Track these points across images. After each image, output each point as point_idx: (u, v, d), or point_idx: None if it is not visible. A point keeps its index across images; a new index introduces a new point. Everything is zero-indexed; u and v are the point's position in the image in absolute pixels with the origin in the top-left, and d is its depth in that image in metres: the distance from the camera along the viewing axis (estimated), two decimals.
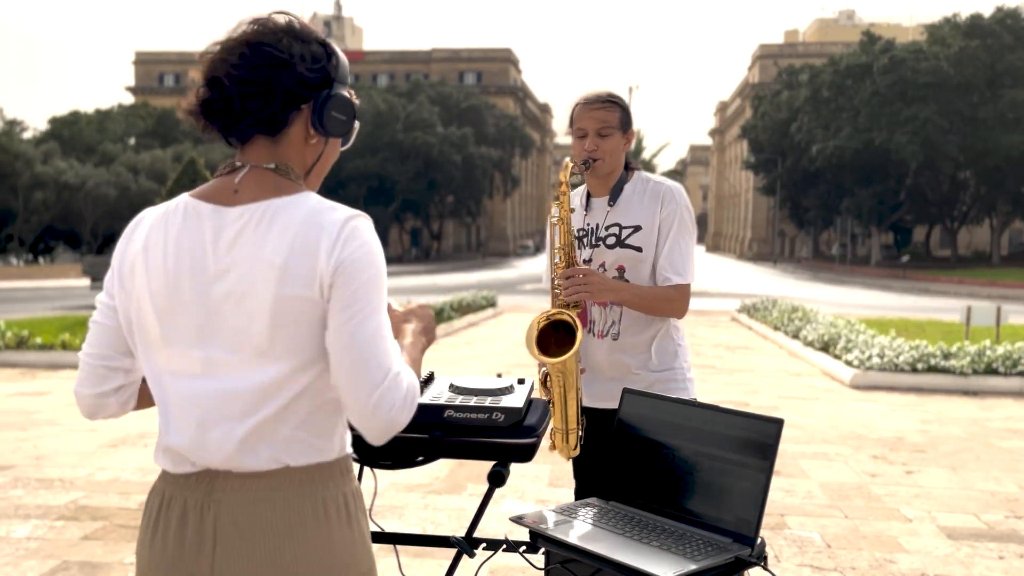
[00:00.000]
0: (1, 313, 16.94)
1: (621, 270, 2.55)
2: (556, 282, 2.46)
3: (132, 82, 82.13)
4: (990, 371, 9.04)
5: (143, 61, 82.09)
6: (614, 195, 2.58)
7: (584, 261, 2.56)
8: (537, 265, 53.73)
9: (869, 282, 36.34)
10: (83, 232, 48.62)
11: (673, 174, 55.65)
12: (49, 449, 6.02)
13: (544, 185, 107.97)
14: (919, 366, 9.18)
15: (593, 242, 2.59)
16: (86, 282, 31.59)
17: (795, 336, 12.46)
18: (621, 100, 2.58)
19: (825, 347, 10.93)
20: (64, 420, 7.03)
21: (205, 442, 1.39)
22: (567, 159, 2.52)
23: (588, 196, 2.66)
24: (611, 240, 2.55)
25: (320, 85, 1.43)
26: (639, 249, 2.53)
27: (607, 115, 2.53)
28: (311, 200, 1.39)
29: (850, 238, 52.28)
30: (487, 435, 1.84)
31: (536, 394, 2.38)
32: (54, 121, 58.12)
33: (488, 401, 1.88)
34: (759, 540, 1.79)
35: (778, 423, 1.82)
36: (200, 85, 1.42)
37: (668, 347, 2.60)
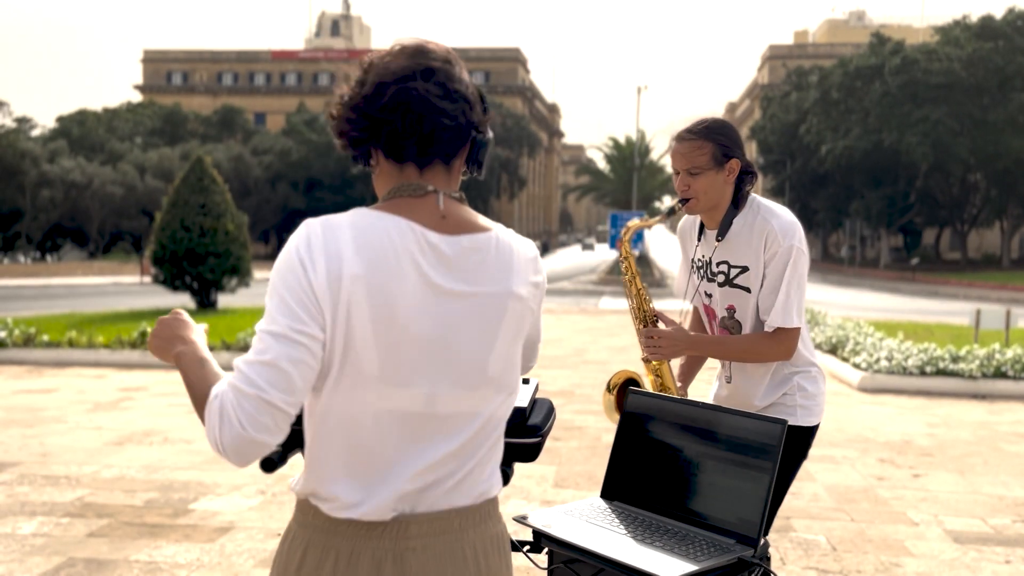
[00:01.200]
0: (9, 311, 17.02)
1: (731, 309, 2.51)
2: (640, 340, 2.56)
3: (140, 80, 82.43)
4: (999, 375, 8.99)
5: (151, 59, 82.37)
6: (722, 230, 2.47)
7: (706, 294, 2.58)
8: (544, 266, 53.59)
9: (878, 284, 36.22)
10: (90, 230, 48.82)
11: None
12: (55, 446, 6.04)
13: (551, 186, 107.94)
14: (927, 369, 9.14)
15: (709, 276, 2.56)
16: (91, 280, 31.71)
17: None
18: (715, 130, 2.42)
19: (833, 349, 10.89)
20: (70, 417, 7.05)
21: (413, 484, 1.30)
22: (628, 223, 2.56)
23: (702, 226, 2.59)
24: (720, 278, 2.51)
25: (483, 126, 1.42)
26: (747, 290, 2.46)
27: (695, 155, 2.41)
28: (507, 233, 1.43)
29: (859, 240, 52.14)
30: None
31: (539, 393, 2.38)
32: (62, 119, 58.39)
33: None
34: (762, 541, 1.78)
35: (782, 424, 1.81)
36: (362, 95, 1.33)
37: (780, 373, 2.51)
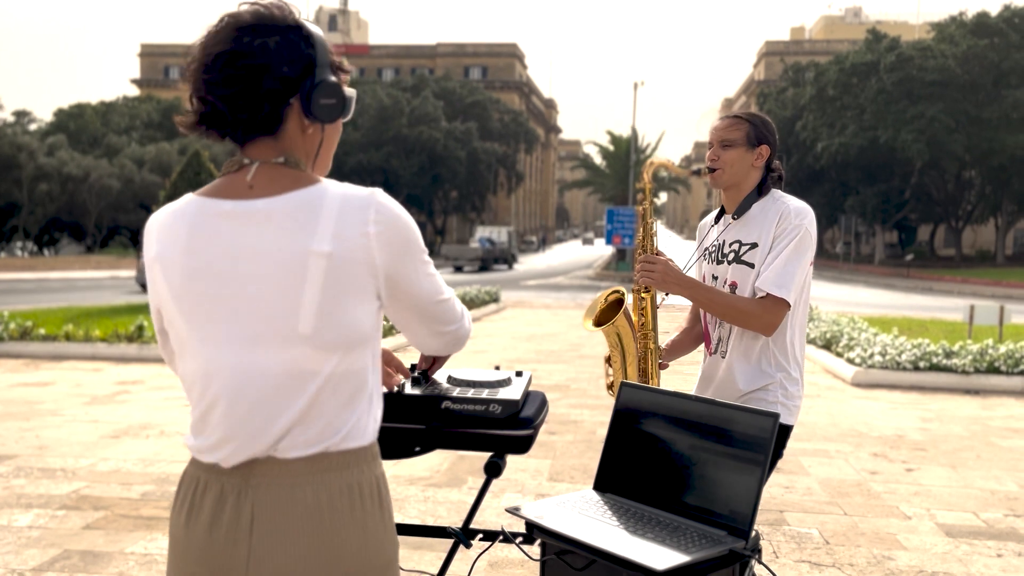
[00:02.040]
0: (5, 304, 16.99)
1: (733, 286, 2.55)
2: (636, 267, 2.61)
3: (137, 74, 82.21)
4: (992, 370, 9.03)
5: (148, 54, 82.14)
6: (740, 211, 2.59)
7: (712, 276, 2.63)
8: (541, 261, 53.70)
9: (873, 280, 36.28)
10: (87, 224, 48.70)
11: (673, 180, 55.60)
12: (52, 439, 6.05)
13: (548, 181, 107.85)
14: (921, 364, 9.18)
15: (718, 258, 2.62)
16: (89, 273, 31.68)
17: None
18: (755, 116, 2.60)
19: (827, 345, 10.93)
20: (67, 411, 7.06)
21: (250, 432, 1.40)
22: (651, 159, 2.64)
23: (722, 212, 2.70)
24: (731, 256, 2.58)
25: (302, 75, 1.42)
26: (752, 266, 2.52)
27: (731, 130, 2.57)
28: (328, 187, 1.41)
29: (854, 236, 52.20)
30: (484, 426, 1.85)
31: (533, 387, 2.39)
32: (59, 113, 58.20)
33: (485, 393, 1.89)
34: (753, 533, 1.80)
35: (773, 417, 1.82)
36: (191, 97, 1.43)
37: (768, 362, 2.54)
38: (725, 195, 2.64)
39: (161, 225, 1.45)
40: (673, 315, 3.20)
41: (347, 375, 1.42)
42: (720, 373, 2.60)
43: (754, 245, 2.52)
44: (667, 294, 2.61)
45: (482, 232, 46.53)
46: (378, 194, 1.42)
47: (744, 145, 2.56)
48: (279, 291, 1.37)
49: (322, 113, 1.44)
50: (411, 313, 1.51)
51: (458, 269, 39.13)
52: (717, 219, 2.71)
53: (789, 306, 2.45)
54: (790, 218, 2.50)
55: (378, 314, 1.48)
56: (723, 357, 2.60)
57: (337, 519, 1.40)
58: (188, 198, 1.45)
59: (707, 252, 2.67)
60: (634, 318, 2.63)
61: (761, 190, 2.59)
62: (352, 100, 1.50)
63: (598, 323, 2.59)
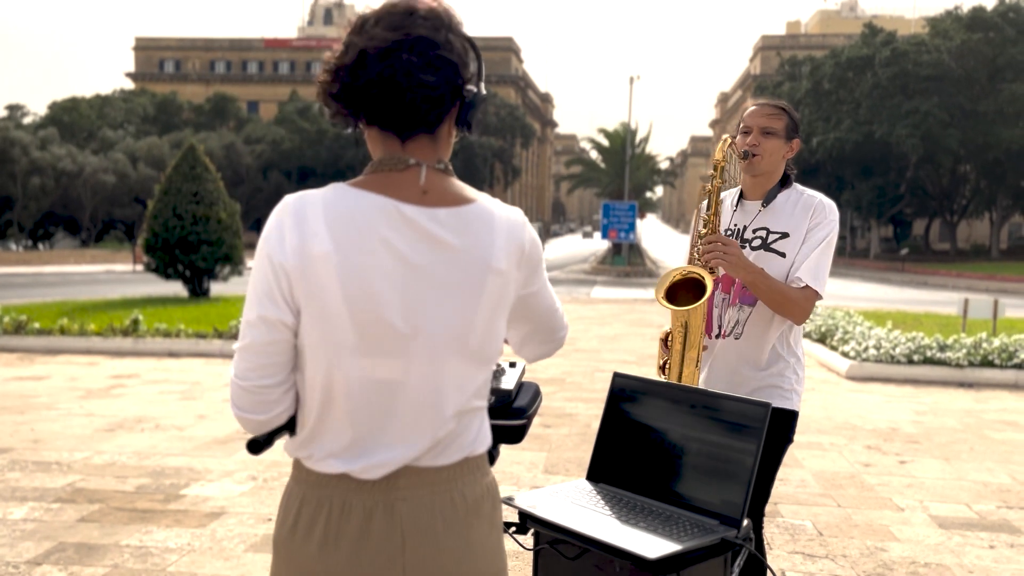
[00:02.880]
0: (0, 298, 16.95)
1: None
2: (698, 246, 2.55)
3: (132, 68, 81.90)
4: (986, 363, 9.06)
5: (143, 47, 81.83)
6: (768, 199, 2.61)
7: None
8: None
9: (868, 274, 36.35)
10: (82, 218, 48.59)
11: (668, 174, 55.77)
12: (47, 432, 6.05)
13: (544, 175, 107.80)
14: (915, 358, 9.21)
15: (739, 243, 2.61)
16: (84, 268, 31.61)
17: None
18: (791, 110, 2.67)
19: (822, 338, 10.95)
20: (62, 404, 7.05)
21: (413, 442, 1.36)
22: (725, 135, 2.61)
23: (740, 197, 2.70)
24: (756, 243, 2.59)
25: (472, 84, 1.41)
26: (783, 255, 2.55)
27: (773, 119, 2.61)
28: (492, 204, 1.42)
29: (849, 230, 52.31)
30: None
31: (527, 377, 2.40)
32: (54, 107, 58.00)
33: None
34: (745, 522, 1.81)
35: (765, 407, 1.83)
36: (346, 67, 1.33)
37: (780, 357, 2.60)
38: (751, 181, 2.66)
39: (332, 216, 1.31)
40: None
41: (486, 384, 1.45)
42: (734, 355, 2.60)
43: (784, 235, 2.56)
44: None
45: None
46: (522, 214, 1.46)
47: (783, 136, 2.61)
48: (459, 304, 1.35)
49: (472, 123, 1.43)
50: (533, 324, 1.54)
51: None
52: (736, 203, 2.71)
53: (821, 297, 2.53)
54: (824, 212, 2.56)
55: None
56: (736, 339, 2.60)
57: (483, 522, 1.42)
58: (349, 190, 1.34)
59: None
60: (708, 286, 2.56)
61: (783, 182, 2.65)
62: None
63: (671, 299, 2.51)
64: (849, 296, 22.58)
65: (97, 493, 4.67)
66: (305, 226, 1.30)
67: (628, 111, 46.94)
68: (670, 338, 2.56)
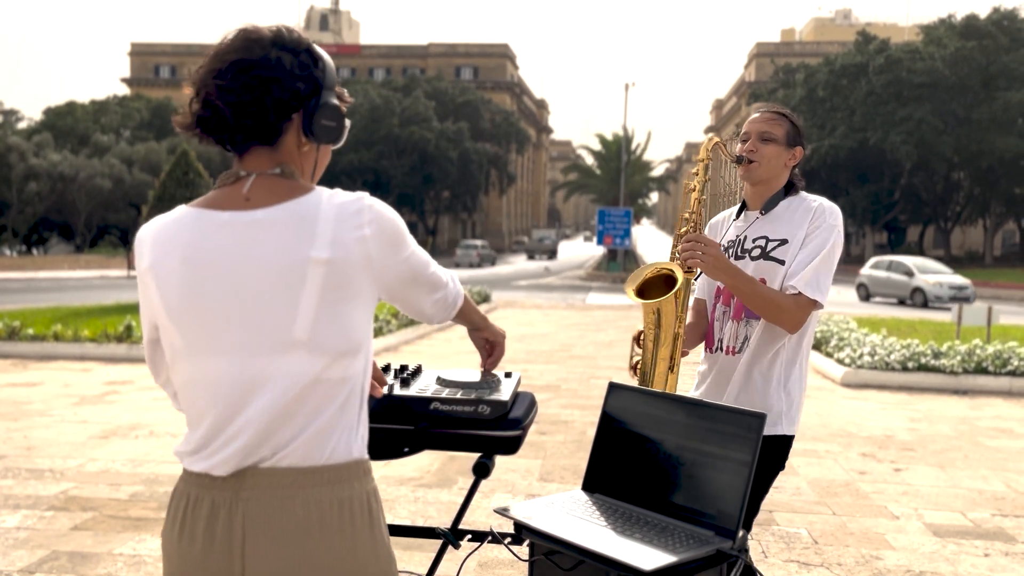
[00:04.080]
0: None
1: (762, 283, 2.47)
2: (678, 246, 2.45)
3: (128, 73, 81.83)
4: (980, 370, 9.08)
5: (139, 52, 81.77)
6: (767, 207, 2.55)
7: None
8: (533, 261, 53.67)
9: None
10: (77, 224, 48.46)
11: (664, 180, 55.84)
12: (40, 440, 6.02)
13: (539, 182, 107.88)
14: (910, 365, 9.22)
15: (738, 253, 2.55)
16: (78, 273, 31.53)
17: None
18: (793, 117, 2.58)
19: (817, 345, 10.97)
20: (55, 411, 7.03)
21: (246, 440, 1.41)
22: (711, 134, 2.55)
23: (743, 208, 2.64)
24: (756, 252, 2.52)
25: (309, 94, 1.47)
26: (781, 263, 2.47)
27: (772, 124, 2.54)
28: (322, 195, 1.44)
29: (844, 237, 52.36)
30: (473, 427, 1.85)
31: (523, 387, 2.39)
32: (49, 111, 57.90)
33: (474, 394, 1.89)
34: (741, 533, 1.80)
35: (760, 417, 1.83)
36: (193, 99, 1.46)
37: (780, 372, 2.50)
38: (752, 190, 2.59)
39: (155, 236, 1.46)
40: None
41: (342, 382, 1.44)
42: (738, 373, 2.50)
43: (783, 241, 2.48)
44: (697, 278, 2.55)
45: (539, 233, 64.03)
46: (366, 197, 1.46)
47: (783, 143, 2.53)
48: (277, 298, 1.40)
49: (321, 133, 1.49)
50: (410, 295, 1.56)
51: (531, 257, 55.52)
52: (738, 215, 2.65)
53: (820, 307, 2.42)
54: (824, 216, 2.47)
55: (371, 316, 1.50)
56: (742, 355, 2.50)
57: (327, 535, 1.41)
58: (182, 210, 1.47)
59: (726, 249, 2.60)
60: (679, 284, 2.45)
61: (788, 190, 2.57)
62: (347, 129, 1.54)
63: (640, 294, 2.46)
64: (844, 302, 22.63)
65: (91, 501, 4.65)
66: (140, 247, 1.48)
67: (623, 118, 47.04)
68: (642, 336, 2.48)
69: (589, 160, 57.95)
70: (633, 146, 54.37)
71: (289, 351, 1.40)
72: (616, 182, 50.08)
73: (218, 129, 1.45)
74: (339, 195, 1.45)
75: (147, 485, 4.97)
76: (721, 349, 2.55)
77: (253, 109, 1.43)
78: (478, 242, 49.56)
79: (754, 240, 2.53)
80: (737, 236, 2.60)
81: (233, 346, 1.41)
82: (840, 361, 9.74)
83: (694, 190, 2.50)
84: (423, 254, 1.57)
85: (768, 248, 2.50)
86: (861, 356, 9.53)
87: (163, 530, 1.50)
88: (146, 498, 4.72)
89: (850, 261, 52.01)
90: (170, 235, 1.45)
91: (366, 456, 1.50)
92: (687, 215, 2.50)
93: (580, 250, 70.97)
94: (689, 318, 2.73)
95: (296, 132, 1.48)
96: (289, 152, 1.49)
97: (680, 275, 2.39)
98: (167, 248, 1.44)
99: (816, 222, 2.47)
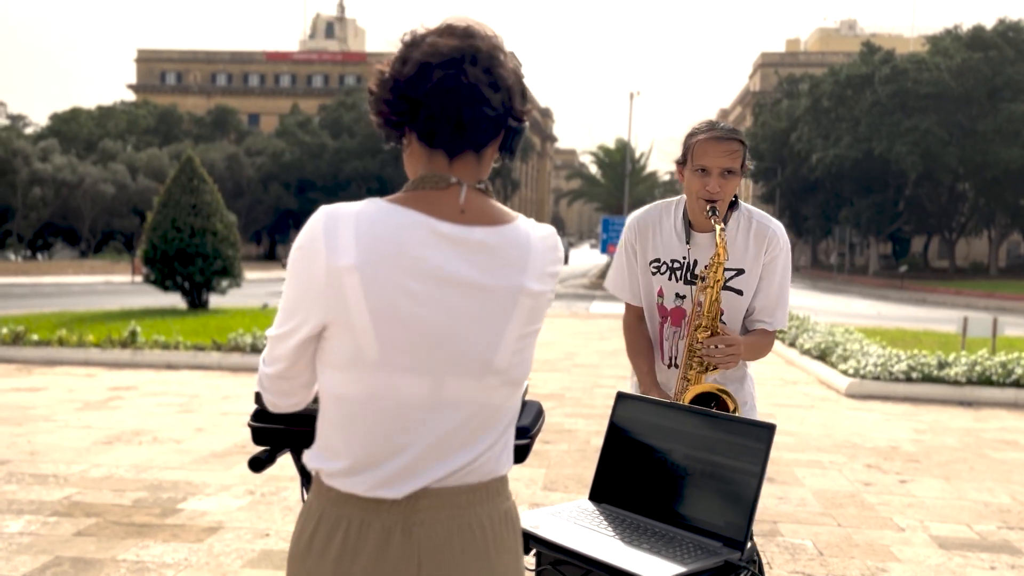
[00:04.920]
0: None
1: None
2: (698, 343, 2.40)
3: (134, 80, 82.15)
4: (985, 381, 9.05)
5: (145, 59, 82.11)
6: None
7: (677, 296, 2.51)
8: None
9: (867, 291, 36.37)
10: (82, 229, 48.59)
11: (668, 189, 55.87)
12: (44, 445, 6.02)
13: (543, 190, 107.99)
14: (914, 376, 9.20)
15: (689, 278, 2.50)
16: (83, 278, 31.59)
17: (792, 344, 12.48)
18: (744, 137, 2.46)
19: (821, 356, 10.94)
20: (59, 416, 7.03)
21: (432, 462, 1.34)
22: (720, 227, 2.35)
23: (688, 226, 2.51)
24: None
25: (519, 113, 1.41)
26: (740, 293, 2.48)
27: (734, 157, 2.38)
28: (528, 224, 1.41)
29: (848, 247, 52.37)
30: None
31: (528, 396, 2.39)
32: (55, 117, 58.12)
33: None
34: (748, 544, 1.80)
35: (770, 428, 1.83)
36: (405, 76, 1.31)
37: (734, 374, 2.60)
38: (699, 215, 2.46)
39: (363, 229, 1.29)
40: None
41: (513, 406, 1.43)
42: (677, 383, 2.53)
43: (740, 271, 2.47)
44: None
45: None
46: (556, 232, 1.45)
47: (740, 172, 2.42)
48: (486, 324, 1.34)
49: (514, 151, 1.44)
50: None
51: None
52: (687, 235, 2.52)
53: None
54: (778, 244, 2.48)
55: None
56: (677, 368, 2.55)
57: (501, 546, 1.40)
58: (384, 205, 1.33)
59: (672, 269, 2.52)
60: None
61: (730, 206, 2.49)
62: None
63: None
64: (848, 313, 22.59)
65: (94, 507, 4.65)
66: (335, 240, 1.29)
67: (628, 126, 47.12)
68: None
69: (593, 169, 58.00)
70: (637, 155, 54.44)
71: (486, 378, 1.36)
72: (620, 190, 50.13)
73: (435, 119, 1.31)
74: (538, 227, 1.42)
75: (150, 491, 4.96)
76: (675, 365, 2.57)
77: (493, 112, 1.33)
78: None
79: (707, 267, 2.45)
80: (684, 259, 2.51)
81: (430, 366, 1.32)
82: (844, 372, 9.72)
83: (712, 286, 2.38)
84: None
85: (726, 279, 2.47)
86: (866, 367, 9.50)
87: (298, 553, 1.37)
88: (149, 504, 4.71)
89: (854, 271, 52.00)
90: (383, 232, 1.30)
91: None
92: (705, 310, 2.40)
93: (585, 258, 71.96)
94: (629, 326, 2.69)
95: (496, 143, 1.40)
96: (486, 164, 1.41)
97: (736, 405, 2.35)
98: (384, 249, 1.29)
99: (772, 251, 2.47)
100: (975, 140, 43.10)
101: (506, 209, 1.41)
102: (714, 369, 2.42)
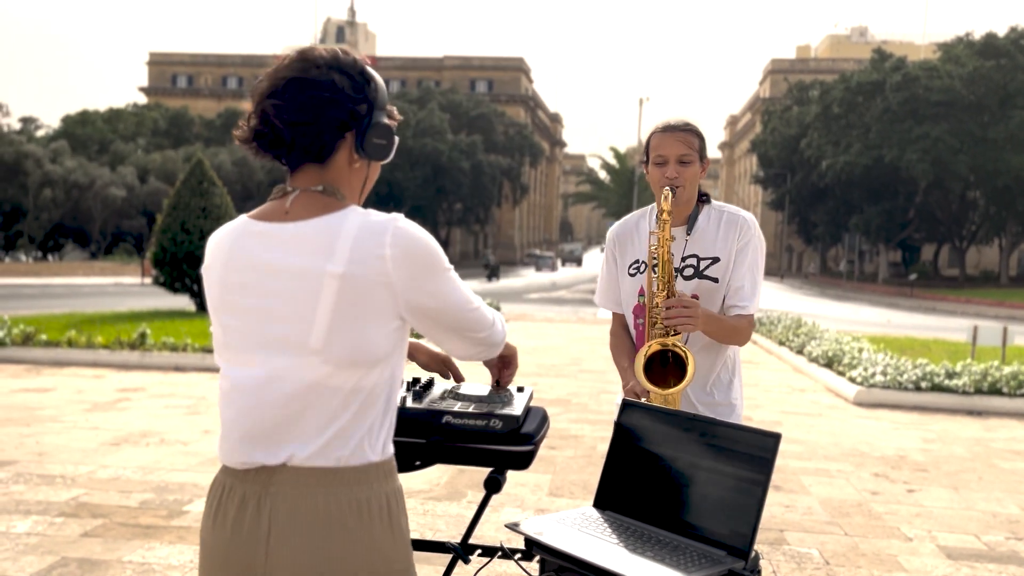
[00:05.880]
0: (9, 310, 17.02)
1: (695, 298, 2.47)
2: (656, 311, 2.41)
3: (145, 82, 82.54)
4: (995, 391, 9.00)
5: (156, 62, 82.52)
6: (691, 224, 2.55)
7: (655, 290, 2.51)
8: (544, 275, 53.68)
9: (876, 299, 36.23)
10: (92, 231, 48.82)
11: None
12: (52, 446, 6.05)
13: (552, 194, 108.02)
14: (923, 385, 9.15)
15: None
16: (93, 280, 31.74)
17: (800, 351, 12.44)
18: (699, 129, 2.56)
19: (829, 363, 10.90)
20: (67, 417, 7.06)
21: (264, 439, 1.51)
22: (667, 189, 2.43)
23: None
24: (688, 271, 2.54)
25: (363, 114, 1.55)
26: (716, 280, 2.52)
27: (688, 142, 2.51)
28: (352, 214, 1.51)
29: (858, 255, 52.20)
30: (485, 442, 1.85)
31: (534, 402, 2.39)
32: (66, 119, 58.42)
33: (486, 408, 1.89)
34: (753, 553, 1.79)
35: (775, 437, 1.82)
36: (251, 115, 1.55)
37: (724, 377, 2.62)
38: (672, 208, 2.51)
39: (213, 240, 1.61)
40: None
41: (360, 391, 1.51)
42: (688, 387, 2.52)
43: (715, 259, 2.53)
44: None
45: (570, 246, 77.59)
46: (398, 219, 1.51)
47: (696, 161, 2.52)
48: (296, 306, 1.49)
49: (373, 151, 1.57)
50: (441, 326, 1.60)
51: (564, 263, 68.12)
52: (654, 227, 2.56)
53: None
54: (749, 230, 2.54)
55: (398, 334, 1.54)
56: None
57: (345, 533, 1.49)
58: (240, 219, 1.61)
59: (644, 266, 2.56)
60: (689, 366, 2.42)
61: (699, 199, 2.59)
62: (395, 145, 1.61)
63: (650, 377, 2.41)
64: (857, 320, 22.52)
65: (101, 508, 4.66)
66: (207, 250, 1.62)
67: (637, 132, 47.09)
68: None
69: (602, 174, 57.98)
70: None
71: (306, 357, 1.49)
72: (628, 195, 50.09)
73: (274, 145, 1.54)
74: (371, 215, 1.51)
75: (157, 493, 4.97)
76: None
77: (309, 128, 1.51)
78: (550, 253, 61.26)
79: (683, 259, 2.55)
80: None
81: (258, 346, 1.52)
82: (852, 380, 9.68)
83: (662, 249, 2.41)
84: (465, 292, 1.60)
85: (701, 267, 2.54)
86: (874, 375, 9.46)
87: (202, 517, 1.61)
88: (156, 506, 4.73)
89: (863, 279, 51.82)
90: (220, 240, 1.59)
91: (388, 458, 1.57)
92: (657, 276, 2.42)
93: (594, 264, 73.54)
94: (614, 332, 2.76)
95: (348, 150, 1.56)
96: (339, 170, 1.57)
97: (691, 359, 2.34)
98: (216, 252, 1.58)
99: (744, 238, 2.53)
100: (986, 148, 42.91)
101: (338, 203, 1.54)
102: (675, 334, 2.40)
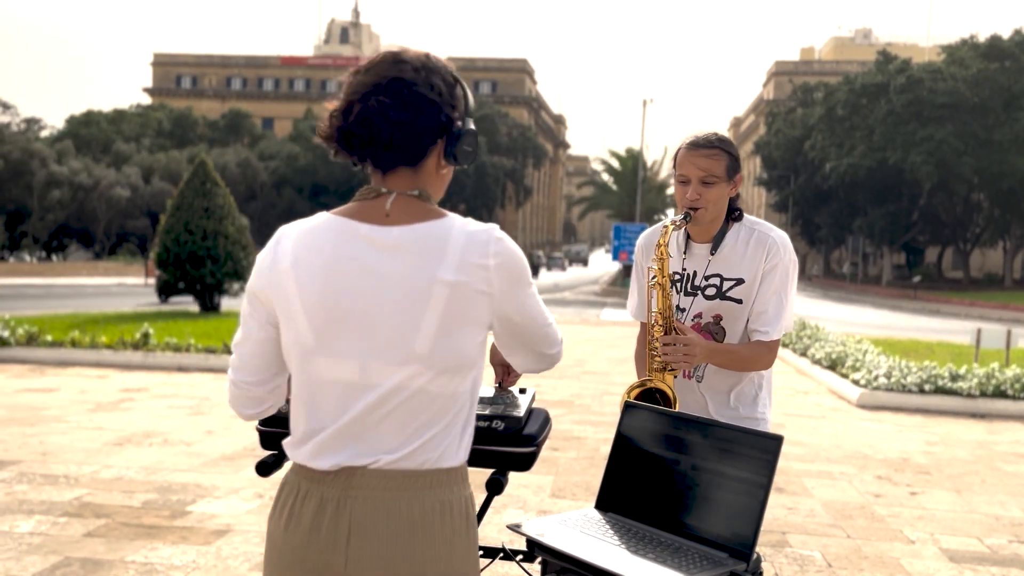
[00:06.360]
0: (13, 310, 17.05)
1: (718, 318, 2.47)
2: (653, 345, 2.39)
3: (150, 83, 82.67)
4: (999, 394, 8.98)
5: (161, 63, 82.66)
6: (716, 243, 2.47)
7: (677, 308, 2.47)
8: (547, 276, 53.69)
9: (879, 302, 36.18)
10: (96, 231, 48.91)
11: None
12: (55, 445, 6.06)
13: (556, 196, 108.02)
14: (927, 387, 9.14)
15: (689, 289, 2.50)
16: (96, 280, 31.77)
17: (803, 354, 12.43)
18: (729, 145, 2.45)
19: (833, 365, 10.89)
20: (71, 417, 7.07)
21: (358, 442, 1.49)
22: (666, 220, 2.43)
23: (688, 238, 2.54)
24: (711, 291, 2.47)
25: (455, 119, 1.54)
26: (739, 302, 2.45)
27: (712, 163, 2.40)
28: (455, 222, 1.52)
29: (861, 257, 52.11)
30: (486, 443, 1.85)
31: (537, 403, 2.39)
32: (71, 120, 58.52)
33: (488, 409, 1.89)
34: (755, 555, 1.79)
35: (777, 440, 1.82)
36: (337, 113, 1.50)
37: (748, 391, 2.53)
38: (697, 227, 2.49)
39: (300, 236, 1.53)
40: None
41: (451, 397, 1.51)
42: (694, 396, 2.51)
43: (740, 281, 2.44)
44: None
45: (576, 247, 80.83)
46: (494, 229, 1.53)
47: (725, 180, 2.42)
48: (404, 312, 1.47)
49: (461, 157, 1.57)
50: (519, 338, 1.62)
51: (570, 264, 70.48)
52: (685, 247, 2.54)
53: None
54: (779, 253, 2.43)
55: (485, 342, 1.56)
56: (699, 382, 2.51)
57: (428, 535, 1.49)
58: (324, 216, 1.55)
59: (673, 282, 2.51)
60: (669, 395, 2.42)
61: (730, 216, 2.49)
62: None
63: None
64: (860, 323, 22.49)
65: (104, 508, 4.67)
66: (279, 247, 1.54)
67: (640, 134, 47.09)
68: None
69: (606, 176, 57.98)
70: (650, 162, 54.38)
71: (409, 363, 1.48)
72: (632, 198, 50.10)
73: (366, 144, 1.50)
74: (471, 224, 1.53)
75: (160, 493, 4.98)
76: (691, 376, 2.54)
77: (411, 131, 1.48)
78: (559, 253, 64.05)
79: (706, 278, 2.47)
80: (684, 270, 2.52)
81: (358, 351, 1.48)
82: (856, 382, 9.67)
83: (660, 285, 2.39)
84: (544, 308, 1.63)
85: (724, 288, 2.46)
86: (877, 378, 9.45)
87: (270, 517, 1.57)
88: (159, 506, 4.74)
89: (867, 281, 51.75)
90: (315, 238, 1.51)
91: (465, 462, 1.57)
92: (656, 311, 2.40)
93: (599, 264, 74.60)
94: (640, 341, 2.68)
95: (438, 155, 1.55)
96: (428, 174, 1.56)
97: (676, 398, 2.35)
98: (311, 250, 1.50)
99: (772, 260, 2.43)
100: (991, 150, 42.84)
101: (437, 209, 1.54)
102: (671, 370, 2.37)
